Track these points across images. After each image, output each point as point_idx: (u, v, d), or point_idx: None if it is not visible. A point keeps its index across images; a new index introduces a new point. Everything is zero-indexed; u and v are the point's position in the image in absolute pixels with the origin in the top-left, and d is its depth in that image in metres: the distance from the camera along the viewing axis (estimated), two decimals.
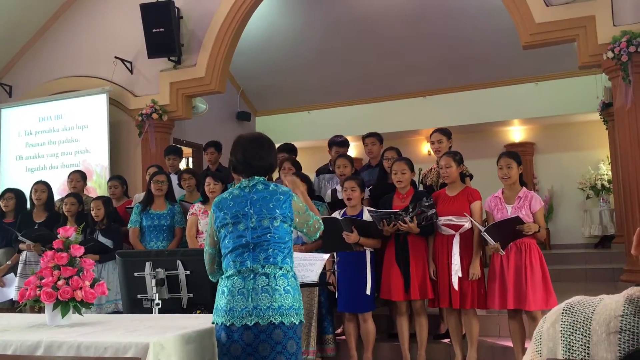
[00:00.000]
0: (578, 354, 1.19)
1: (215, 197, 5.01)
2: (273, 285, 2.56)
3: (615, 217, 8.75)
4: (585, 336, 1.20)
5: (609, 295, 1.24)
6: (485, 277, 4.57)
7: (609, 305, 1.21)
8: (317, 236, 2.87)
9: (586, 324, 1.21)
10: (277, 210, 2.65)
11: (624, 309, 1.19)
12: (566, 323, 1.23)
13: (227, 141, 7.22)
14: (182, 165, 7.76)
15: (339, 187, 5.46)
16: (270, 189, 2.71)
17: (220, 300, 2.62)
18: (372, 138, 5.85)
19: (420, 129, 10.42)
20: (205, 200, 5.27)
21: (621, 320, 1.17)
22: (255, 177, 2.74)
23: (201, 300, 3.32)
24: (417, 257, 4.65)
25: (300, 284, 2.93)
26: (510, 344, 4.58)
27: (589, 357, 1.18)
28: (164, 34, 7.33)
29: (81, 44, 8.32)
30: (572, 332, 1.22)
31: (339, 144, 6.08)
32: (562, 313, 1.26)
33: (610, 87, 6.69)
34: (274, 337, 2.52)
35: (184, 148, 7.74)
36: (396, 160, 5.00)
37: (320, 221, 2.85)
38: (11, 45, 8.59)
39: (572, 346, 1.21)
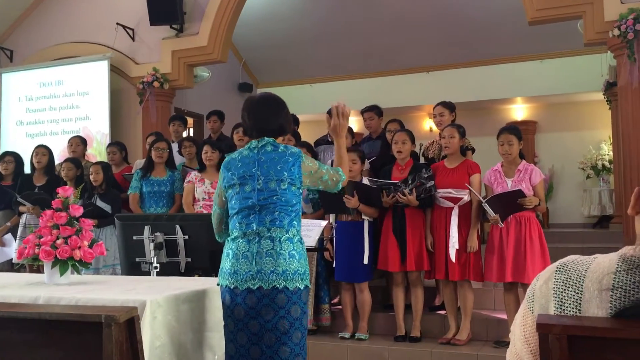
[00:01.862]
0: (569, 310, 1.21)
1: (212, 165, 5.10)
2: (278, 249, 2.55)
3: (614, 197, 8.76)
4: (577, 293, 1.21)
5: (602, 255, 1.25)
6: (482, 251, 4.59)
7: (602, 264, 1.22)
8: (340, 187, 2.80)
9: (579, 281, 1.22)
10: (285, 173, 2.62)
11: (617, 267, 1.19)
12: (559, 280, 1.24)
13: (229, 112, 7.32)
14: (184, 135, 7.76)
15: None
16: (280, 150, 2.66)
17: (225, 263, 2.62)
18: (369, 112, 5.84)
19: (422, 105, 10.38)
20: (202, 168, 5.27)
21: (614, 277, 1.18)
22: (265, 138, 2.69)
23: (199, 264, 3.34)
24: (414, 228, 4.67)
25: None
26: (504, 316, 4.62)
27: (580, 313, 1.19)
28: (166, 1, 7.26)
29: (83, 10, 8.24)
30: (565, 289, 1.23)
31: None
32: (556, 271, 1.26)
33: (615, 66, 6.64)
34: (277, 301, 2.51)
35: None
36: (398, 130, 5.00)
37: (340, 172, 2.78)
38: (13, 9, 8.52)
39: (564, 303, 1.22)
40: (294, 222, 2.63)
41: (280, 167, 2.62)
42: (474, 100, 9.86)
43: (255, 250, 2.55)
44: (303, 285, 2.57)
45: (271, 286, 2.51)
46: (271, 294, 2.51)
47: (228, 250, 2.65)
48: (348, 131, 5.47)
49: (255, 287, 2.51)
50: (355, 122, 9.42)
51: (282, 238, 2.57)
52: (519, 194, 4.26)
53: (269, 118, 2.70)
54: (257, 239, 2.57)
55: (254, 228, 2.58)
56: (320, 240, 4.66)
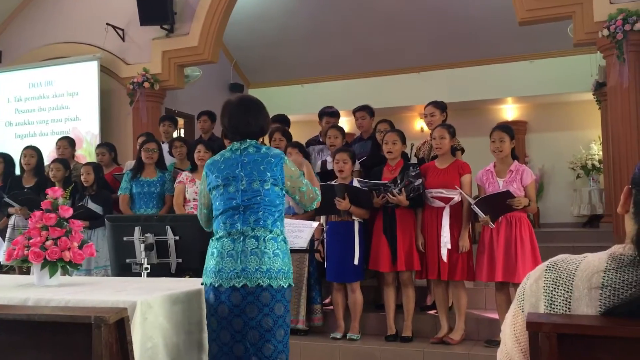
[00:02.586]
0: (559, 309, 1.21)
1: (203, 165, 5.06)
2: (262, 248, 2.57)
3: (604, 197, 8.82)
4: (567, 291, 1.22)
5: (592, 253, 1.26)
6: (474, 251, 4.60)
7: (592, 262, 1.23)
8: (314, 206, 2.86)
9: (569, 280, 1.22)
10: (268, 173, 2.65)
11: (606, 266, 1.20)
12: (549, 279, 1.24)
13: (220, 113, 7.26)
14: (175, 135, 7.73)
15: (329, 158, 5.47)
16: (262, 152, 2.71)
17: (210, 262, 2.64)
18: (362, 112, 5.84)
19: (413, 105, 10.38)
20: (193, 168, 5.26)
21: (603, 276, 1.19)
22: (247, 140, 2.74)
23: (190, 265, 3.33)
24: (404, 229, 4.68)
25: (291, 249, 2.94)
26: (496, 316, 4.63)
27: (570, 311, 1.20)
28: (156, 1, 7.23)
29: (73, 10, 8.20)
30: (555, 288, 1.23)
31: (329, 114, 6.08)
32: (546, 270, 1.27)
33: (604, 66, 6.69)
34: (262, 299, 2.54)
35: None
36: (388, 131, 5.01)
37: (318, 192, 2.84)
38: (2, 9, 8.46)
39: (554, 301, 1.22)
40: (278, 222, 2.67)
41: (264, 168, 2.66)
42: (464, 100, 9.88)
43: (240, 249, 2.58)
44: (287, 284, 2.61)
45: (256, 284, 2.54)
46: (255, 292, 2.54)
47: (212, 249, 2.67)
48: (339, 131, 5.50)
49: (240, 285, 2.54)
50: (346, 123, 9.41)
51: (267, 237, 2.60)
52: (508, 195, 4.28)
53: (250, 121, 2.73)
54: (241, 238, 2.60)
55: (238, 228, 2.61)
56: (312, 241, 4.66)
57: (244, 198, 2.63)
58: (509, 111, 10.82)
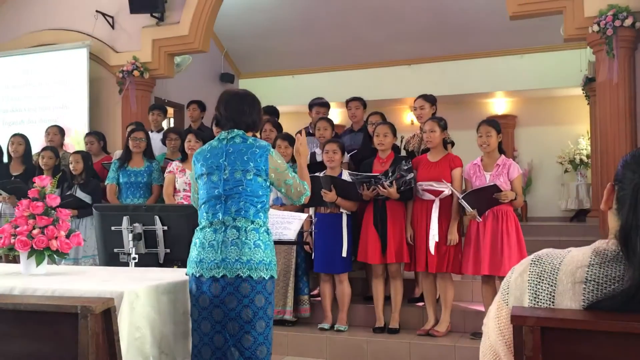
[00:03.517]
0: (543, 303, 1.22)
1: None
2: (243, 238, 2.58)
3: (591, 191, 8.89)
4: (551, 285, 1.23)
5: (576, 248, 1.27)
6: (462, 244, 4.63)
7: (576, 257, 1.24)
8: (302, 201, 2.86)
9: (553, 274, 1.23)
10: (251, 163, 2.66)
11: (590, 260, 1.21)
12: (534, 273, 1.26)
13: (210, 103, 7.16)
14: (164, 125, 7.70)
15: (317, 150, 5.45)
16: (248, 142, 2.71)
17: (192, 252, 2.66)
18: (356, 102, 5.83)
19: (404, 98, 10.39)
20: (184, 158, 5.24)
21: (587, 271, 1.20)
22: (235, 130, 2.75)
23: (178, 255, 3.31)
24: (394, 221, 4.69)
25: (278, 242, 2.95)
26: (482, 308, 4.67)
27: (554, 305, 1.21)
28: None
29: None
30: (539, 282, 1.24)
31: (319, 104, 6.07)
32: (531, 264, 1.28)
33: (594, 61, 6.72)
34: (241, 290, 2.55)
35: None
36: (379, 123, 5.01)
37: (307, 187, 2.84)
38: None
39: (538, 295, 1.23)
40: (260, 213, 2.67)
41: (247, 158, 2.66)
42: (454, 93, 9.90)
43: (220, 239, 2.59)
44: (268, 275, 2.60)
45: (235, 275, 2.55)
46: (235, 283, 2.55)
47: (195, 239, 2.69)
48: (328, 123, 5.49)
49: (220, 276, 2.55)
50: (337, 115, 9.43)
51: (248, 228, 2.61)
52: (494, 188, 4.30)
53: (244, 111, 2.75)
54: (223, 228, 2.61)
55: (220, 217, 2.62)
56: (301, 233, 4.66)
57: (225, 187, 2.64)
58: (499, 105, 10.87)
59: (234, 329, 2.54)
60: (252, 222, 2.62)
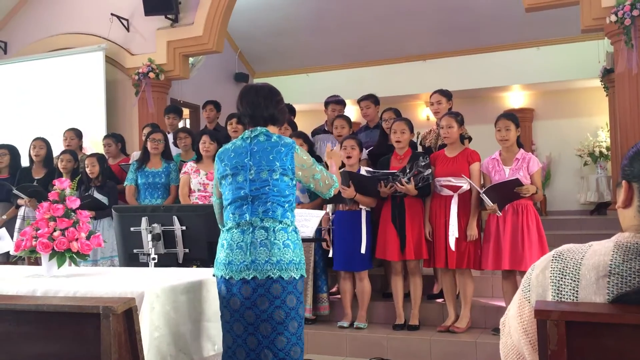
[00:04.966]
0: (567, 298, 1.21)
1: (208, 156, 5.09)
2: (272, 239, 2.55)
3: (611, 184, 8.78)
4: (574, 280, 1.22)
5: (598, 242, 1.26)
6: (482, 239, 4.60)
7: (598, 251, 1.23)
8: (331, 193, 2.81)
9: (576, 269, 1.22)
10: (277, 163, 2.62)
11: (613, 254, 1.20)
12: (556, 269, 1.24)
13: (226, 103, 7.31)
14: (181, 125, 7.75)
15: (336, 148, 5.45)
16: (273, 140, 2.67)
17: (220, 253, 2.63)
18: (366, 101, 5.84)
19: (419, 94, 10.35)
20: (199, 159, 5.27)
21: (610, 264, 1.19)
22: (258, 127, 2.71)
23: (197, 255, 3.33)
24: (413, 217, 4.68)
25: None
26: (502, 304, 4.64)
27: (577, 300, 1.20)
28: None
29: (77, 1, 8.19)
30: (562, 277, 1.23)
31: (335, 102, 6.09)
32: (552, 260, 1.27)
33: (612, 52, 6.63)
34: (272, 291, 2.52)
35: (182, 109, 7.71)
36: (396, 120, 5.00)
37: (335, 178, 2.81)
38: (6, 0, 8.46)
39: (562, 291, 1.22)
40: (288, 213, 2.64)
41: (273, 157, 2.63)
42: (471, 88, 9.84)
43: (249, 240, 2.56)
44: (298, 275, 2.58)
45: (266, 276, 2.51)
46: (266, 284, 2.52)
47: (222, 240, 2.66)
48: (346, 120, 5.50)
49: (250, 278, 2.52)
50: (352, 112, 9.40)
51: (276, 228, 2.58)
52: (516, 182, 4.27)
53: (260, 105, 2.71)
54: (250, 229, 2.58)
55: (247, 218, 2.59)
56: (319, 230, 4.68)
57: (252, 188, 2.61)
58: (516, 98, 10.77)
59: (266, 331, 2.52)
60: (280, 222, 2.60)
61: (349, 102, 6.95)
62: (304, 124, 6.82)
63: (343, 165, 4.90)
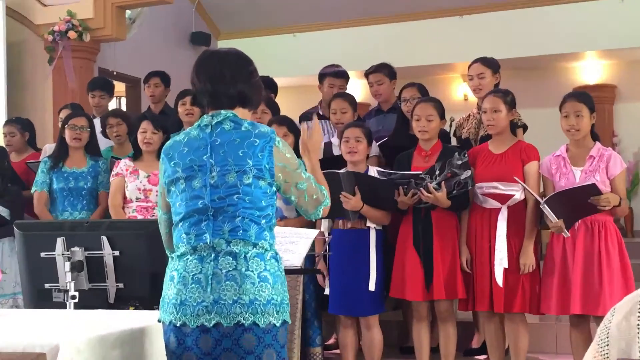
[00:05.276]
0: None
1: (151, 150, 5.07)
2: (243, 269, 2.54)
3: None
4: None
5: None
6: (541, 271, 4.61)
7: None
8: (319, 214, 2.83)
9: None
10: (250, 160, 2.61)
11: None
12: None
13: (178, 74, 7.27)
14: (112, 106, 7.71)
15: (334, 140, 5.46)
16: (243, 129, 2.67)
17: (168, 290, 2.62)
18: (377, 74, 5.86)
19: (452, 63, 10.36)
20: (137, 154, 5.27)
21: None
22: (222, 111, 2.70)
23: (136, 292, 3.32)
24: (443, 239, 4.69)
25: None
26: None
27: None
28: None
29: None
30: None
31: (334, 74, 6.09)
32: None
33: None
34: (244, 343, 2.51)
35: (114, 83, 7.68)
36: (420, 101, 5.00)
37: (325, 192, 2.82)
38: None
39: None
40: (265, 232, 2.64)
41: (243, 153, 2.62)
42: (526, 55, 9.84)
43: (210, 271, 2.55)
44: (279, 321, 2.57)
45: (234, 322, 2.51)
46: (234, 334, 2.51)
47: (172, 271, 2.65)
48: (348, 101, 5.49)
49: (212, 324, 2.51)
50: (358, 89, 9.41)
51: (249, 254, 2.57)
52: (591, 190, 4.28)
53: (225, 78, 2.70)
54: (212, 256, 2.57)
55: (207, 240, 2.58)
56: (310, 257, 4.66)
57: (214, 197, 2.61)
58: (590, 71, 10.79)
59: None
60: (255, 246, 2.58)
61: (353, 74, 6.95)
62: (289, 105, 6.83)
63: (344, 163, 4.91)
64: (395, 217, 4.83)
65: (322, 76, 6.18)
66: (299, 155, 2.92)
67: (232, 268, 2.54)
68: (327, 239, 4.81)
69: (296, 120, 5.77)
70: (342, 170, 4.74)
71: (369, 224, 4.78)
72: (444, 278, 4.64)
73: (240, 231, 2.58)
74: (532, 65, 10.21)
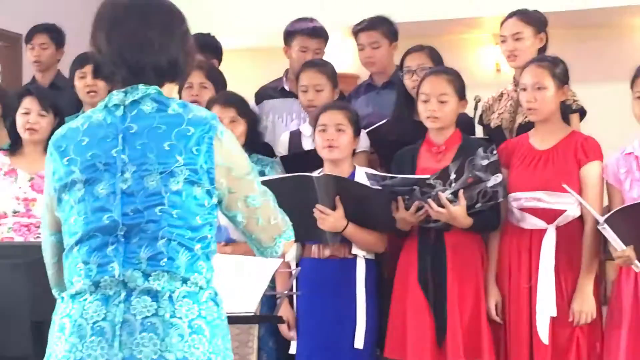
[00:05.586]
0: None
1: (36, 141, 5.04)
2: (166, 316, 2.54)
3: None
4: None
5: None
6: (603, 320, 4.63)
7: None
8: (277, 250, 2.85)
9: None
10: (180, 158, 2.60)
11: None
12: None
13: (74, 28, 7.23)
14: None
15: (305, 129, 5.49)
16: (171, 111, 2.66)
17: (58, 345, 2.60)
18: (371, 33, 5.88)
19: (477, 17, 10.43)
20: (15, 146, 5.28)
21: None
22: (140, 86, 2.69)
23: (10, 348, 3.34)
24: (463, 275, 4.71)
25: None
26: None
27: None
28: None
29: None
30: None
31: (306, 33, 6.09)
32: None
33: None
34: None
35: None
36: (430, 72, 5.02)
37: (288, 221, 2.85)
38: None
39: None
40: (200, 261, 2.64)
41: (170, 147, 2.61)
42: (586, 8, 9.91)
43: (119, 318, 2.54)
44: None
45: None
46: None
47: (62, 318, 2.62)
48: (324, 73, 5.50)
49: None
50: (344, 53, 9.43)
51: (176, 293, 2.57)
52: None
53: (147, 39, 2.69)
54: (122, 295, 2.56)
55: (116, 273, 2.56)
56: (269, 299, 4.66)
57: (127, 209, 2.59)
58: None
59: None
60: (185, 281, 2.58)
61: (334, 33, 6.95)
62: (243, 74, 6.81)
63: (320, 163, 4.94)
64: (394, 241, 4.84)
65: (289, 34, 6.16)
66: (253, 153, 2.90)
67: (152, 313, 2.54)
68: (294, 273, 4.81)
69: (250, 100, 5.77)
70: (317, 173, 4.75)
71: (355, 251, 4.79)
72: (463, 331, 4.64)
73: (164, 260, 2.57)
74: (594, 22, 10.33)
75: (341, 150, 4.84)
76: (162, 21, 2.74)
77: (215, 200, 2.69)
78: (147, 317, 2.53)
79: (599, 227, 4.38)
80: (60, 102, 5.40)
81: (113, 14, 2.75)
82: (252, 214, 2.75)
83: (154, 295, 2.55)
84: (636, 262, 4.36)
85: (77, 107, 5.66)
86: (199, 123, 2.64)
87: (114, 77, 2.75)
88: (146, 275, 2.55)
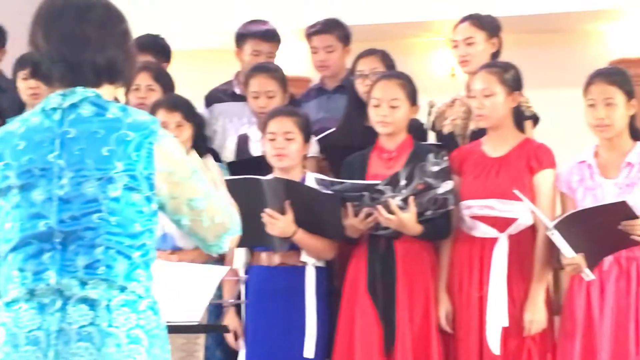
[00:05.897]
0: None
1: None
2: (103, 325, 2.53)
3: None
4: None
5: None
6: (556, 330, 4.66)
7: None
8: (223, 246, 2.83)
9: None
10: (118, 163, 2.58)
11: None
12: None
13: (16, 27, 7.15)
14: None
15: (252, 133, 5.49)
16: (110, 115, 2.65)
17: None
18: (326, 36, 5.90)
19: (430, 21, 10.46)
20: None
21: None
22: (79, 89, 2.68)
23: None
24: (413, 284, 4.72)
25: (168, 326, 2.89)
26: None
27: None
28: None
29: None
30: None
31: (259, 35, 6.09)
32: None
33: None
34: None
35: None
36: (381, 77, 5.04)
37: (233, 216, 2.84)
38: None
39: None
40: (139, 269, 2.62)
41: (109, 152, 2.59)
42: (539, 13, 9.97)
43: (55, 327, 2.53)
44: None
45: None
46: None
47: None
48: (274, 78, 5.50)
49: None
50: (296, 56, 9.42)
51: (114, 302, 2.55)
52: (623, 209, 4.32)
53: (87, 38, 2.68)
54: (58, 304, 2.55)
55: (52, 281, 2.55)
56: (216, 308, 4.63)
57: (64, 216, 2.58)
58: (633, 38, 10.96)
59: None
60: (123, 290, 2.57)
61: (285, 36, 6.94)
62: (192, 77, 6.78)
63: (269, 168, 4.91)
64: (344, 248, 4.85)
65: (241, 37, 6.15)
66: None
67: (88, 322, 2.53)
68: (241, 280, 4.80)
69: (199, 104, 5.74)
70: (268, 179, 4.73)
71: (304, 258, 4.79)
72: (413, 341, 4.66)
73: (102, 268, 2.56)
74: (549, 27, 10.39)
75: (291, 159, 4.84)
76: (98, 18, 2.73)
77: (155, 206, 2.68)
78: (83, 326, 2.52)
79: (548, 233, 4.40)
80: (2, 103, 5.35)
81: (51, 10, 2.74)
82: (196, 216, 2.74)
83: (91, 304, 2.54)
84: (586, 270, 4.38)
85: (19, 109, 5.61)
86: (139, 128, 2.63)
87: (51, 75, 2.73)
88: (83, 284, 2.54)
